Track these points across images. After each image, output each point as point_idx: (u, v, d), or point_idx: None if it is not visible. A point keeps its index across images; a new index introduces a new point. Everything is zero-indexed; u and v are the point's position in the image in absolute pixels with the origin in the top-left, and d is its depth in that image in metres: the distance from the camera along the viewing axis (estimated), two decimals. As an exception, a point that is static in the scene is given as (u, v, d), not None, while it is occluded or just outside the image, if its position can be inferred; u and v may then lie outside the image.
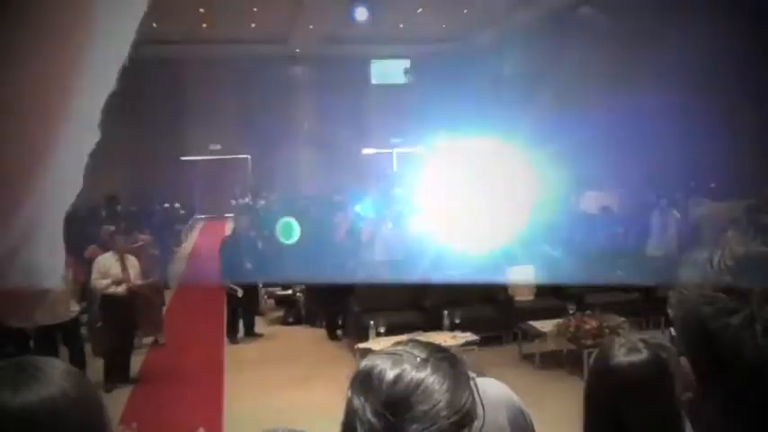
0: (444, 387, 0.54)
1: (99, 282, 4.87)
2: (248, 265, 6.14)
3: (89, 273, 5.05)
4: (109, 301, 4.90)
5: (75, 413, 0.54)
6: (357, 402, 0.54)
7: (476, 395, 0.56)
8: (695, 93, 9.67)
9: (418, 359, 0.56)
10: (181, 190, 16.57)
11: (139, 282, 5.09)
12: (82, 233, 6.68)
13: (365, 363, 0.58)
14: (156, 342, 6.00)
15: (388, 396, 0.53)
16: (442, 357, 0.57)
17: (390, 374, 0.55)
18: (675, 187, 8.56)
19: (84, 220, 10.02)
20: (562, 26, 13.42)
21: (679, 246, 6.83)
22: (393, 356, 0.57)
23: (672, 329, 0.53)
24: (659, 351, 0.91)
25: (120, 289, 4.91)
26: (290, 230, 6.60)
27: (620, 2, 11.61)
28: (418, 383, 0.54)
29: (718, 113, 9.23)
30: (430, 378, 0.55)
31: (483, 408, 0.56)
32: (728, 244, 0.48)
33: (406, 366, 0.55)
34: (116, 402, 4.55)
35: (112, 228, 5.64)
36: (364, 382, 0.56)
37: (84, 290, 5.09)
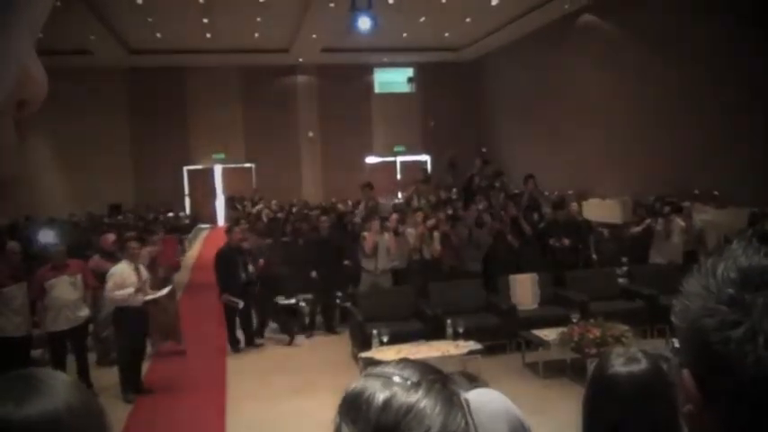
0: (436, 411, 0.52)
1: (116, 293, 4.72)
2: (243, 277, 6.10)
3: (96, 279, 5.01)
4: (123, 312, 4.80)
5: (77, 425, 0.54)
6: (345, 430, 0.52)
7: (468, 418, 0.54)
8: (699, 99, 9.69)
9: (409, 382, 0.53)
10: (184, 199, 16.65)
11: (159, 291, 5.03)
12: (87, 240, 6.73)
13: (354, 385, 0.55)
14: (176, 350, 6.00)
15: (378, 422, 0.51)
16: (434, 379, 0.54)
17: (380, 399, 0.52)
18: (678, 194, 8.53)
19: (87, 228, 10.09)
20: (563, 34, 13.49)
21: (684, 253, 6.79)
22: (382, 379, 0.54)
23: (675, 340, 0.52)
24: (659, 362, 0.91)
25: (137, 300, 4.79)
26: None
27: (621, 9, 11.68)
28: (409, 408, 0.51)
29: (722, 121, 9.22)
30: (421, 402, 0.52)
31: (476, 430, 0.54)
32: (733, 255, 0.48)
33: (397, 390, 0.53)
34: (120, 411, 4.54)
35: (113, 236, 5.59)
36: (352, 407, 0.53)
37: (94, 296, 5.03)
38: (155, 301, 5.36)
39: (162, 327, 5.88)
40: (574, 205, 7.60)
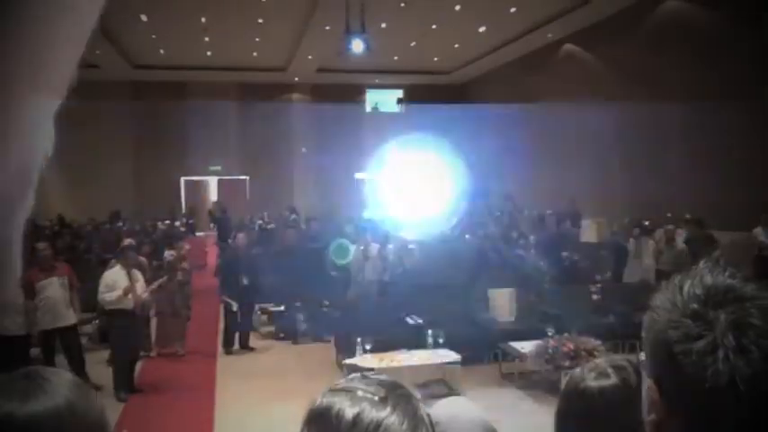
0: (404, 427, 0.52)
1: (106, 295, 4.95)
2: (245, 282, 6.40)
3: (85, 281, 5.22)
4: (116, 314, 5.00)
5: (80, 424, 0.55)
6: None
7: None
8: (674, 129, 10.23)
9: (376, 397, 0.53)
10: (181, 208, 16.89)
11: (145, 295, 5.23)
12: (86, 246, 6.88)
13: (320, 400, 0.55)
14: (175, 353, 6.18)
15: None
16: (399, 394, 0.55)
17: (349, 414, 0.52)
18: (653, 218, 8.94)
19: (89, 234, 10.24)
20: (546, 61, 14.12)
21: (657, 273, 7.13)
22: (350, 394, 0.54)
23: (642, 353, 0.55)
24: (627, 375, 0.94)
25: (127, 303, 4.97)
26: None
27: (601, 42, 12.33)
28: (378, 424, 0.51)
29: (696, 149, 9.75)
30: (390, 418, 0.52)
31: None
32: (699, 274, 0.51)
33: (365, 405, 0.52)
34: (112, 411, 4.71)
35: (129, 240, 5.83)
36: (321, 421, 0.53)
37: (87, 299, 5.22)
38: (171, 303, 5.58)
39: (169, 331, 6.05)
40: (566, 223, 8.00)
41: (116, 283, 4.96)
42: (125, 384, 5.04)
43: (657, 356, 0.50)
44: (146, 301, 5.39)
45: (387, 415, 0.52)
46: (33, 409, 0.53)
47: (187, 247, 7.22)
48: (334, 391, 0.55)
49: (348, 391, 0.54)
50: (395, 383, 0.57)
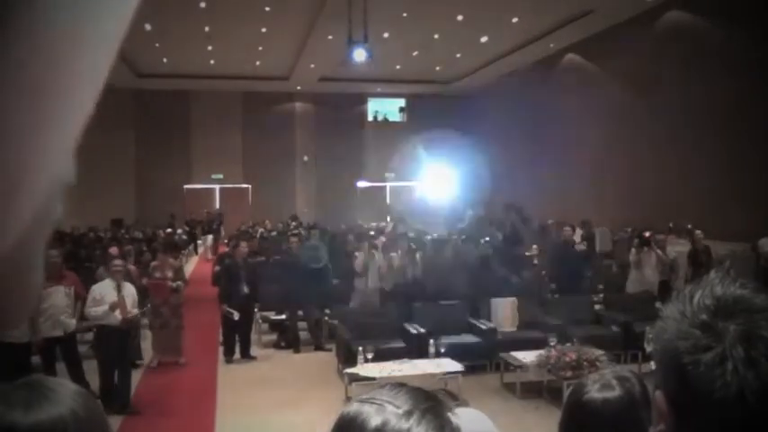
0: None
1: (92, 310, 4.82)
2: (245, 290, 6.40)
3: (86, 290, 5.12)
4: (104, 329, 4.87)
5: None
6: None
7: None
8: (676, 140, 10.26)
9: (401, 410, 0.53)
10: (183, 216, 16.91)
11: (135, 310, 5.06)
12: (87, 254, 6.89)
13: (348, 410, 0.55)
14: (176, 362, 6.16)
15: None
16: (425, 408, 0.54)
17: (372, 425, 0.52)
18: (654, 227, 8.95)
19: (92, 242, 10.24)
20: (548, 71, 14.20)
21: (660, 284, 7.10)
22: (375, 405, 0.54)
23: (652, 363, 0.58)
24: (632, 387, 0.93)
25: (114, 319, 4.82)
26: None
27: (602, 52, 12.41)
28: None
29: (697, 161, 9.78)
30: (414, 429, 0.52)
31: None
32: (710, 284, 0.50)
33: (390, 417, 0.52)
34: (112, 421, 4.69)
35: (116, 249, 5.77)
36: (345, 430, 0.53)
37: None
38: (159, 315, 5.51)
39: (163, 341, 6.03)
40: (567, 230, 8.00)
41: (104, 297, 4.83)
42: (108, 398, 4.82)
43: (666, 367, 0.50)
44: (134, 318, 5.19)
45: (410, 427, 0.51)
46: (37, 418, 0.53)
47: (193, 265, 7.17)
48: (362, 401, 0.55)
49: (375, 402, 0.54)
50: (425, 395, 0.56)
